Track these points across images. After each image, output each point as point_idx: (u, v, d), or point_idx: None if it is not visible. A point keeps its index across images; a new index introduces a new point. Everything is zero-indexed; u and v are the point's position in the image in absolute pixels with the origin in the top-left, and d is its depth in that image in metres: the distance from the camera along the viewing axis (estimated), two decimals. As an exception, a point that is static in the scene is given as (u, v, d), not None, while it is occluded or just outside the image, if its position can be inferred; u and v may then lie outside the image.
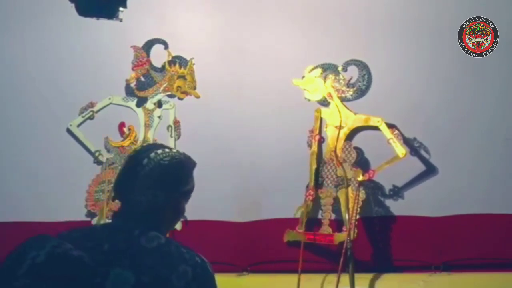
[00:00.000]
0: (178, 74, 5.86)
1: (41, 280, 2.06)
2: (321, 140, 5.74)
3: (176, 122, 5.85)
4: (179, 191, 2.41)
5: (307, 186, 5.67)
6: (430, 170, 5.65)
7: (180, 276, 2.24)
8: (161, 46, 6.00)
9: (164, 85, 5.86)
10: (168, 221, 2.41)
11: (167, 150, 2.41)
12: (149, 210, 2.32)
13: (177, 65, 5.89)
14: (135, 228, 2.28)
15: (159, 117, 5.84)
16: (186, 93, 5.87)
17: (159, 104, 5.82)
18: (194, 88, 5.88)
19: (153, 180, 2.33)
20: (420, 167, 5.67)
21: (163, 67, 5.95)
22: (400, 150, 5.47)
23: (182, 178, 2.41)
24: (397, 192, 5.70)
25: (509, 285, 5.36)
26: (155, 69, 5.96)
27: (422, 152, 5.67)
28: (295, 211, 5.61)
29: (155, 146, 2.49)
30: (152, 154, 2.36)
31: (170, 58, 5.94)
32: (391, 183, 5.69)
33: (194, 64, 5.88)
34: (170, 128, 5.82)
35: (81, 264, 2.16)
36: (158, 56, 6.02)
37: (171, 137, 5.81)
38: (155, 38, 5.96)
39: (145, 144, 2.51)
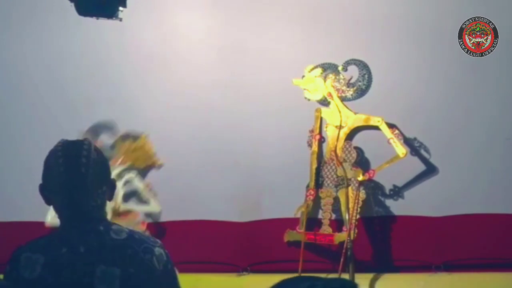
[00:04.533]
0: (132, 149, 5.66)
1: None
2: (321, 140, 5.75)
3: (147, 186, 5.63)
4: (110, 178, 2.42)
5: (307, 186, 5.67)
6: (430, 170, 5.66)
7: (158, 259, 2.28)
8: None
9: (120, 159, 5.63)
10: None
11: (85, 147, 2.38)
12: (102, 207, 2.35)
13: (130, 139, 5.65)
14: (98, 225, 2.32)
15: (124, 184, 5.58)
16: (146, 165, 5.68)
17: (120, 176, 5.58)
18: (152, 159, 5.66)
19: (97, 180, 2.33)
20: (420, 167, 5.67)
21: (114, 145, 5.67)
22: (400, 149, 5.47)
23: (108, 165, 2.44)
24: (397, 192, 5.70)
25: (509, 285, 5.37)
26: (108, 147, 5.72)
27: (422, 152, 5.67)
28: (295, 211, 5.61)
29: (75, 147, 2.43)
30: (84, 160, 2.34)
31: (121, 135, 5.68)
32: (391, 183, 5.70)
33: (146, 137, 5.62)
34: (142, 194, 5.59)
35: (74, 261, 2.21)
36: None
37: (145, 202, 5.60)
38: (102, 122, 5.73)
39: (61, 151, 2.42)
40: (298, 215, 5.61)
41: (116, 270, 2.24)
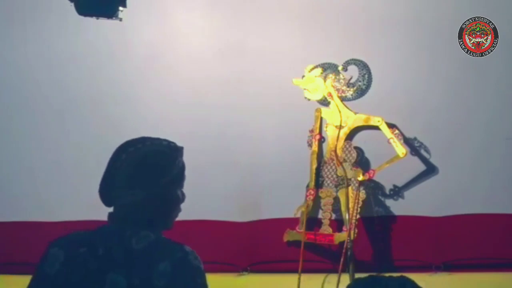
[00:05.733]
0: None
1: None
2: (321, 140, 5.75)
3: None
4: (159, 184, 2.30)
5: (307, 186, 5.67)
6: (430, 170, 5.66)
7: (160, 275, 2.18)
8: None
9: None
10: (163, 215, 2.34)
11: (139, 145, 2.31)
12: (135, 210, 2.27)
13: None
14: (128, 229, 2.27)
15: None
16: None
17: None
18: None
19: (128, 179, 2.25)
20: (420, 167, 5.67)
21: None
22: (401, 149, 5.47)
23: (159, 170, 2.30)
24: (397, 192, 5.70)
25: (509, 285, 5.36)
26: None
27: (423, 152, 5.67)
28: (295, 211, 5.61)
29: (129, 143, 2.35)
30: (124, 155, 2.29)
31: None
32: (391, 183, 5.70)
33: None
34: None
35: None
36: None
37: None
38: None
39: (125, 142, 2.33)
40: (298, 215, 5.61)
41: (122, 280, 2.19)
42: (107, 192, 2.32)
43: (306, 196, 5.63)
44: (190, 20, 6.01)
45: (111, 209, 2.34)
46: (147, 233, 2.26)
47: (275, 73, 5.79)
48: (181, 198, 2.39)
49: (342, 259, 5.14)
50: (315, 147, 5.71)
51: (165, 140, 2.38)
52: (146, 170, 2.29)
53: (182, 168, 2.37)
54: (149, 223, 2.29)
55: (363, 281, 1.81)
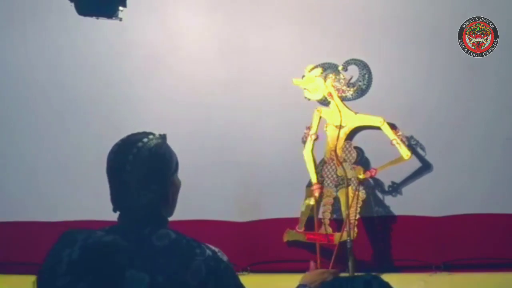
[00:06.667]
0: None
1: (80, 275, 2.09)
2: (316, 139, 5.73)
3: None
4: (169, 177, 2.31)
5: (307, 186, 5.67)
6: (430, 170, 5.66)
7: (194, 274, 2.17)
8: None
9: None
10: (170, 205, 2.36)
11: (139, 144, 2.30)
12: (149, 208, 2.28)
13: None
14: (144, 227, 2.27)
15: None
16: None
17: None
18: None
19: (141, 181, 2.26)
20: (420, 167, 5.67)
21: None
22: (405, 152, 5.47)
23: (167, 164, 2.31)
24: (397, 192, 5.70)
25: (509, 285, 5.36)
26: None
27: (423, 152, 5.67)
28: (301, 206, 5.62)
29: (128, 144, 2.34)
30: (131, 157, 2.27)
31: None
32: (391, 182, 5.70)
33: None
34: None
35: (116, 246, 2.13)
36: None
37: None
38: None
39: (117, 145, 2.31)
40: (303, 209, 5.61)
41: (145, 276, 2.16)
42: (121, 198, 2.30)
43: (313, 190, 5.61)
44: (190, 20, 6.01)
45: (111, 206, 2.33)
46: (166, 231, 2.26)
47: (275, 73, 5.80)
48: (180, 185, 2.41)
49: (333, 257, 5.15)
50: (309, 144, 5.70)
51: (150, 132, 2.38)
52: (157, 168, 2.29)
53: (175, 156, 2.38)
54: (162, 218, 2.30)
55: (328, 285, 1.81)
